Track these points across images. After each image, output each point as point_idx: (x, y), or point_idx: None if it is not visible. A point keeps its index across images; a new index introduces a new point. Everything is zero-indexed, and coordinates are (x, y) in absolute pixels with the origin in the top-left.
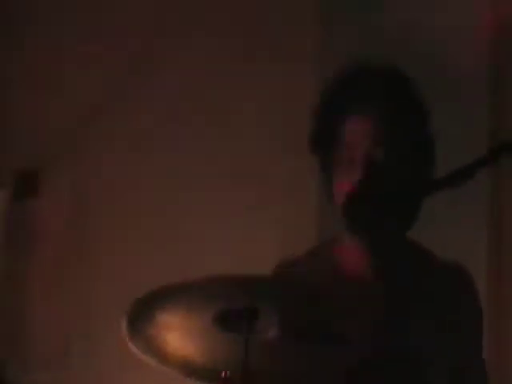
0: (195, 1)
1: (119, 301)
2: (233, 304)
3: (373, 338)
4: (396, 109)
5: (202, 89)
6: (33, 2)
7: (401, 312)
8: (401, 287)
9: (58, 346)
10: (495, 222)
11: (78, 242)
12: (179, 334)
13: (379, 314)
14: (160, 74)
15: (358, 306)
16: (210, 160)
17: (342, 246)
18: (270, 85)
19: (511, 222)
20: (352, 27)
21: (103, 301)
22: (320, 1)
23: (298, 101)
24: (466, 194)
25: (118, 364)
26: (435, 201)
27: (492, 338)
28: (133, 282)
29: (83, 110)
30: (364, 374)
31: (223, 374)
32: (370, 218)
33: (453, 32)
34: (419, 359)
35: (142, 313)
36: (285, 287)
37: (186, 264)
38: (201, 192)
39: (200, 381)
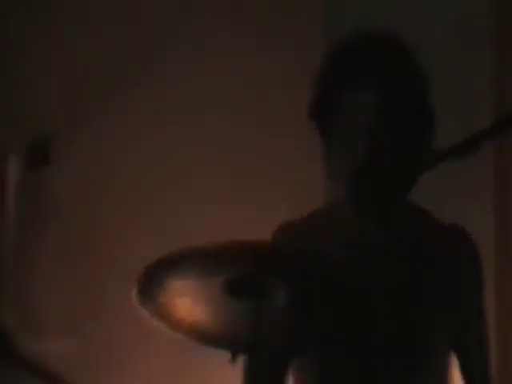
0: None
1: (130, 270)
2: (242, 270)
3: (376, 300)
4: (396, 79)
5: (212, 56)
6: None
7: (402, 273)
8: (400, 249)
9: (69, 316)
10: (500, 195)
11: (90, 214)
12: (189, 300)
13: (381, 276)
14: (172, 47)
15: (360, 269)
16: (218, 128)
17: (346, 212)
18: (271, 54)
19: None
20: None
21: (114, 270)
22: None
23: (302, 74)
24: (470, 167)
25: (129, 333)
26: (440, 174)
27: (497, 307)
28: (144, 251)
29: (98, 80)
30: (370, 335)
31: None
32: (373, 190)
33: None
34: (421, 317)
35: (152, 279)
36: (291, 254)
37: (196, 232)
38: (212, 158)
39: (209, 346)
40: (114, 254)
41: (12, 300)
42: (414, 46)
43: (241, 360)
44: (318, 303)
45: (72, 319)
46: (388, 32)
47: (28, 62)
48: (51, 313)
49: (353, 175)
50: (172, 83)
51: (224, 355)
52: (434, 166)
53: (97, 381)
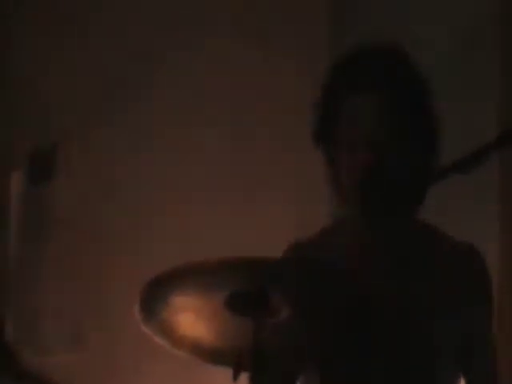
0: None
1: (134, 284)
2: (244, 286)
3: (385, 313)
4: (398, 91)
5: (213, 65)
6: None
7: (412, 290)
8: (412, 266)
9: (73, 330)
10: (507, 207)
11: (93, 225)
12: (191, 316)
13: (387, 291)
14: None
15: (368, 284)
16: (222, 142)
17: (351, 228)
18: (281, 63)
19: None
20: (365, 13)
21: (118, 284)
22: None
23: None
24: (476, 179)
25: (132, 347)
26: (446, 186)
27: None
28: (147, 265)
29: (100, 88)
30: (375, 346)
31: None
32: (381, 203)
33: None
34: (427, 334)
35: (154, 295)
36: (295, 268)
37: (198, 246)
38: (214, 173)
39: (211, 363)
40: (116, 266)
41: (14, 311)
42: (416, 59)
43: (243, 377)
44: (321, 318)
45: (75, 331)
46: (389, 44)
47: (30, 76)
48: (53, 324)
49: (355, 188)
50: (172, 95)
51: (227, 372)
52: (438, 181)
53: None
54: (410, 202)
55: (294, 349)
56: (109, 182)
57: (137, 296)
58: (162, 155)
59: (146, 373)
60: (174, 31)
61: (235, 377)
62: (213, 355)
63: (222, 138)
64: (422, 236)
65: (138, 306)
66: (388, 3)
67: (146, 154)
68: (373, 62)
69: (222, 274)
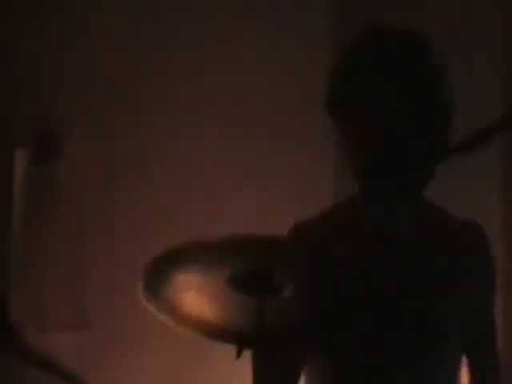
0: None
1: (141, 262)
2: (247, 264)
3: (387, 296)
4: (411, 72)
5: (214, 64)
6: None
7: (415, 269)
8: (415, 244)
9: (77, 308)
10: (509, 184)
11: (99, 204)
12: (195, 294)
13: (393, 270)
14: (173, 32)
15: (371, 266)
16: (224, 125)
17: (360, 208)
18: (283, 58)
19: None
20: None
21: (125, 261)
22: None
23: (312, 69)
24: (480, 156)
25: (138, 326)
26: (449, 162)
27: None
28: (152, 242)
29: (108, 69)
30: (378, 328)
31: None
32: (391, 181)
33: None
34: (432, 312)
35: (157, 273)
36: (299, 248)
37: (202, 225)
38: (216, 154)
39: (215, 341)
40: (119, 244)
41: (17, 289)
42: (431, 42)
43: (246, 354)
44: (326, 296)
45: (80, 311)
46: (401, 26)
47: (32, 59)
48: (57, 303)
49: (366, 162)
50: (174, 83)
51: (230, 349)
52: (443, 161)
53: (106, 374)
54: (417, 180)
55: (296, 327)
56: (110, 162)
57: (141, 275)
58: (161, 139)
59: (151, 355)
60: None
61: (238, 354)
62: (216, 333)
63: (227, 135)
64: (427, 216)
65: (142, 284)
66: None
67: (146, 133)
68: (386, 43)
69: (224, 252)
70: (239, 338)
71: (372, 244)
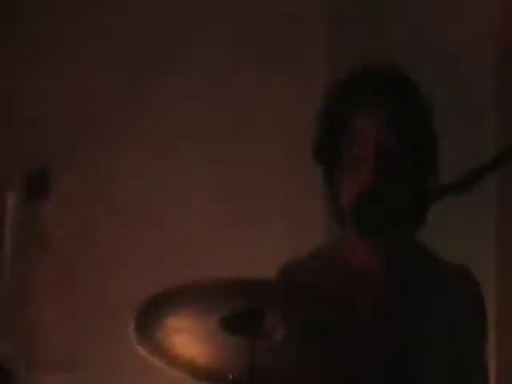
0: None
1: (131, 302)
2: (238, 307)
3: (375, 337)
4: (399, 110)
5: (211, 92)
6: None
7: (406, 313)
8: (408, 288)
9: (70, 347)
10: (503, 227)
11: (89, 244)
12: (187, 337)
13: (383, 313)
14: (171, 73)
15: (364, 306)
16: (216, 161)
17: (349, 248)
18: (281, 86)
19: None
20: (365, 27)
21: (115, 302)
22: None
23: (311, 102)
24: (473, 198)
25: (129, 365)
26: (442, 204)
27: (499, 344)
28: (145, 283)
29: (94, 109)
30: (365, 373)
31: (230, 376)
32: (382, 219)
33: (463, 34)
34: (420, 358)
35: (148, 315)
36: (289, 289)
37: (195, 265)
38: (209, 195)
39: (207, 383)
40: (113, 283)
41: (11, 330)
42: (416, 77)
43: None
44: (317, 340)
45: (71, 351)
46: (390, 66)
47: (27, 99)
48: (50, 344)
49: (356, 201)
50: (171, 114)
51: None
52: (435, 201)
53: None
54: (409, 223)
55: (288, 371)
56: (105, 201)
57: (132, 317)
58: (159, 180)
59: None
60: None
61: None
62: (208, 375)
63: (219, 169)
64: (418, 260)
65: (133, 325)
66: (389, 27)
67: (144, 169)
68: (374, 82)
69: (216, 294)
70: (231, 381)
71: (359, 283)
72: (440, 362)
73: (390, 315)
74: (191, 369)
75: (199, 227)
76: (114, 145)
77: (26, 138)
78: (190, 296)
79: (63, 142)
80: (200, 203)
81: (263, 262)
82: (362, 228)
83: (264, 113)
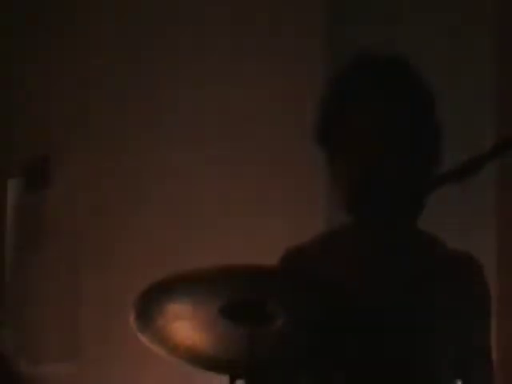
0: None
1: (132, 291)
2: (240, 294)
3: (377, 326)
4: (400, 98)
5: (205, 77)
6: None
7: (407, 300)
8: (408, 275)
9: (70, 338)
10: (504, 216)
11: (90, 232)
12: (187, 324)
13: (384, 301)
14: (164, 60)
15: (363, 294)
16: (214, 151)
17: (349, 234)
18: (272, 84)
19: None
20: (364, 14)
21: (116, 291)
22: None
23: (308, 89)
24: (474, 187)
25: (130, 354)
26: (444, 193)
27: (501, 332)
28: (146, 271)
29: (95, 97)
30: (367, 363)
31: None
32: (380, 206)
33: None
34: (425, 349)
35: (149, 303)
36: (289, 277)
37: (194, 255)
38: (212, 183)
39: (208, 371)
40: (114, 271)
41: (11, 321)
42: (417, 64)
43: None
44: (317, 327)
45: (73, 342)
46: (392, 54)
47: (27, 87)
48: (51, 334)
49: (354, 187)
50: (172, 103)
51: (223, 380)
52: (434, 190)
53: None
54: (408, 210)
55: (288, 358)
56: (106, 191)
57: (132, 304)
58: (160, 170)
59: (140, 383)
60: (171, 37)
61: None
62: (208, 363)
63: (221, 160)
64: (422, 246)
65: (133, 313)
66: (387, 16)
67: (145, 157)
68: (375, 69)
69: (217, 282)
70: (231, 368)
71: (361, 270)
72: (445, 348)
73: (391, 303)
74: (191, 356)
75: (199, 215)
76: (114, 132)
77: (26, 126)
78: (190, 284)
79: (63, 129)
80: (200, 191)
81: (264, 250)
82: (361, 215)
83: (265, 98)
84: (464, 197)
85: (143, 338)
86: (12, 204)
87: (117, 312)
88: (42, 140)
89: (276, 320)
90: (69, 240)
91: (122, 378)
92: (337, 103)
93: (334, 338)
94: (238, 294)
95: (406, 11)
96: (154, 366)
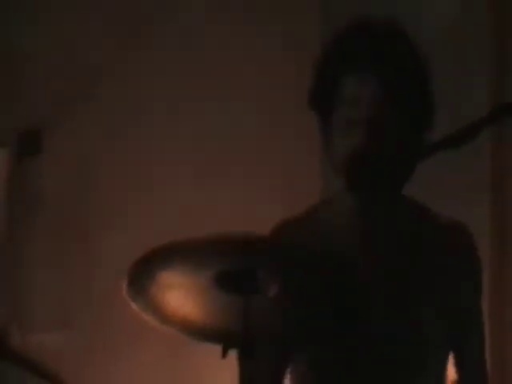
0: None
1: (122, 262)
2: (233, 263)
3: (374, 292)
4: (396, 66)
5: (201, 48)
6: None
7: (399, 269)
8: (399, 244)
9: (60, 308)
10: (498, 183)
11: (80, 203)
12: (180, 293)
13: (379, 269)
14: (159, 35)
15: (354, 264)
16: (211, 121)
17: (340, 206)
18: (270, 42)
19: None
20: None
21: (105, 262)
22: None
23: (300, 56)
24: (467, 155)
25: (121, 324)
26: (437, 161)
27: (493, 304)
28: (135, 242)
29: (85, 68)
30: (363, 330)
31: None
32: (371, 178)
33: None
34: (418, 316)
35: (142, 272)
36: (279, 248)
37: (186, 225)
38: (203, 153)
39: (200, 340)
40: (103, 245)
41: (2, 291)
42: (413, 34)
43: (232, 354)
44: (310, 295)
45: (63, 311)
46: (387, 20)
47: (15, 54)
48: (42, 305)
49: (350, 161)
50: (160, 77)
51: (215, 349)
52: (429, 156)
53: (89, 373)
54: (399, 178)
55: (281, 327)
56: (97, 160)
57: (125, 274)
58: (151, 143)
59: (135, 354)
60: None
61: (224, 354)
62: (201, 332)
63: (215, 131)
64: (412, 214)
65: (126, 282)
66: None
67: (134, 129)
68: (372, 37)
69: (210, 251)
70: (225, 338)
71: (355, 240)
72: (438, 312)
73: (383, 274)
74: (185, 326)
75: (192, 183)
76: (102, 106)
77: (15, 98)
78: (183, 253)
79: (53, 101)
80: (197, 162)
81: (259, 221)
82: (353, 187)
83: (263, 73)
84: (458, 163)
85: (135, 306)
86: (1, 173)
87: (107, 281)
88: (32, 112)
89: (269, 289)
90: (57, 211)
91: (114, 348)
92: (334, 69)
93: (325, 304)
94: (232, 263)
95: None
96: (146, 336)
